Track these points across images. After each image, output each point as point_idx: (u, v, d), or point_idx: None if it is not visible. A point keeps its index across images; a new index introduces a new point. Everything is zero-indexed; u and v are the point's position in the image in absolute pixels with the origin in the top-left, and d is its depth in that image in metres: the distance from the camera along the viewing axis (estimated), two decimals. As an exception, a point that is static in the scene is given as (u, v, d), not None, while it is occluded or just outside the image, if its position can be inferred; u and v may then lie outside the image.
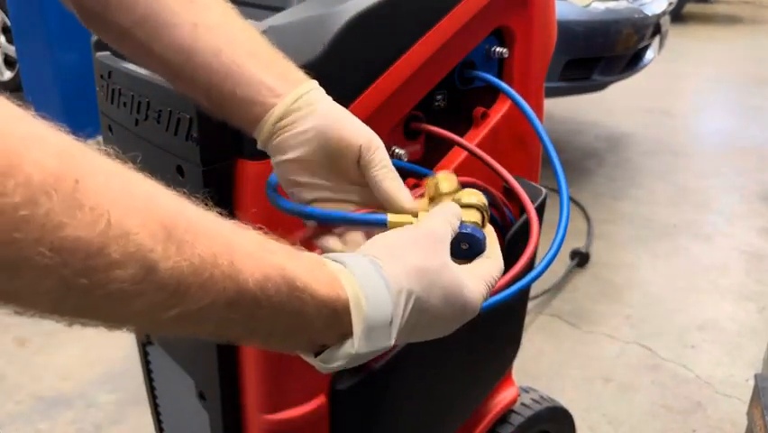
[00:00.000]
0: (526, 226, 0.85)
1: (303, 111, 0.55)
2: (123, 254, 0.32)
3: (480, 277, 0.52)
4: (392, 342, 0.47)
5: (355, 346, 0.45)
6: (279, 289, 0.41)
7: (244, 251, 0.40)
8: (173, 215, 0.36)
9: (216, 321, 0.39)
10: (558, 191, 0.83)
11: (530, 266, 0.79)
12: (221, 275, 0.37)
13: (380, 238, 0.50)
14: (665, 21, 3.71)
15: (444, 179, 0.59)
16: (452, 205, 0.55)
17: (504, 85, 0.88)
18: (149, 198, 0.36)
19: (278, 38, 0.67)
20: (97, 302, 0.33)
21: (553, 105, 4.09)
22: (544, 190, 0.94)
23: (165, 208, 0.36)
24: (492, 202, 0.89)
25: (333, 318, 0.44)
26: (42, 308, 0.32)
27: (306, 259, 0.45)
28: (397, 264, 0.47)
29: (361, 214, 0.56)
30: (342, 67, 0.71)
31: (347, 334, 0.45)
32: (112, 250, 0.32)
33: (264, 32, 0.67)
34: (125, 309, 0.34)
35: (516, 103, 0.87)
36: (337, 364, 0.46)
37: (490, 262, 0.55)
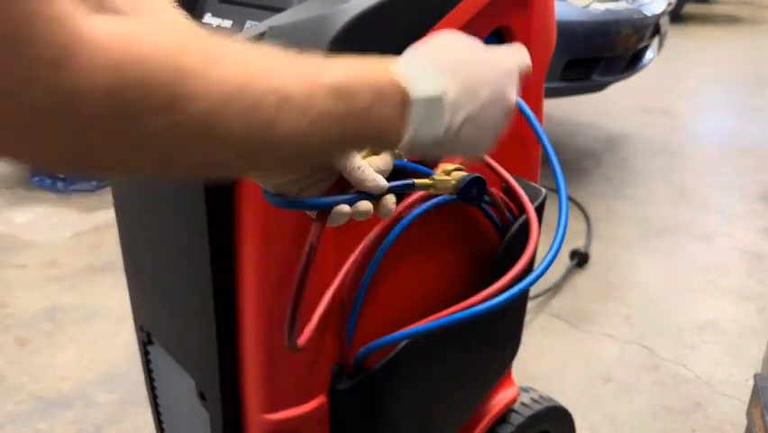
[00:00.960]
0: (526, 226, 0.85)
1: None
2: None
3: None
4: (445, 121, 0.53)
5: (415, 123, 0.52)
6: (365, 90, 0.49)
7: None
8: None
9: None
10: (557, 191, 0.83)
11: (530, 266, 0.79)
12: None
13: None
14: (665, 21, 3.71)
15: None
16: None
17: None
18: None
19: (278, 39, 0.67)
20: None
21: (551, 105, 4.09)
22: (543, 190, 0.94)
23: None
24: (492, 202, 0.89)
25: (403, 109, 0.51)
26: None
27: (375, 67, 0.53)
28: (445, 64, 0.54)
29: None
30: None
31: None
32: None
33: (265, 33, 0.68)
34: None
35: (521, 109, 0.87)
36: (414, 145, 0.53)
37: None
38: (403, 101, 0.51)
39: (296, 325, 0.72)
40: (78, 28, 0.35)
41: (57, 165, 0.40)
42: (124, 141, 0.38)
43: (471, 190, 0.69)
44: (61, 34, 0.34)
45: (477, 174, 0.70)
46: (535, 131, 0.85)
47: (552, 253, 0.74)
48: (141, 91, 0.37)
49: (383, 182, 0.58)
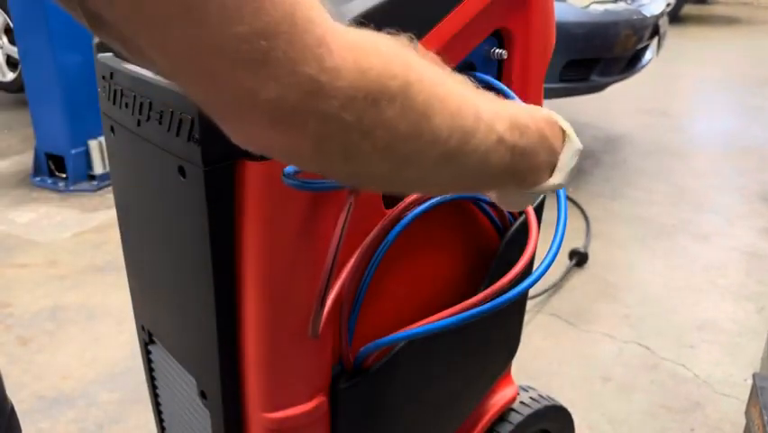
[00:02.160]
0: (525, 226, 0.86)
1: None
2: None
3: None
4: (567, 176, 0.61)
5: (559, 179, 0.60)
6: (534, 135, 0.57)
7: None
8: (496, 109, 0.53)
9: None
10: (556, 192, 0.84)
11: (530, 266, 0.80)
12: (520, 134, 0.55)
13: None
14: (664, 22, 3.72)
15: None
16: None
17: (502, 86, 0.88)
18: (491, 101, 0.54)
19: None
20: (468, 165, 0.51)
21: (551, 106, 4.09)
22: (542, 190, 0.94)
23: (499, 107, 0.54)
24: (491, 202, 0.90)
25: (553, 157, 0.60)
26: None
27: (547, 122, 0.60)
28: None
29: None
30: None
31: (553, 170, 0.60)
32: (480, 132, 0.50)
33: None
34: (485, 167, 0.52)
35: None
36: (542, 190, 0.61)
37: None
38: (558, 147, 0.59)
39: (322, 311, 0.75)
40: (331, 19, 0.41)
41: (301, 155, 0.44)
42: (364, 123, 0.43)
43: None
44: (326, 18, 0.40)
45: None
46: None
47: (550, 255, 0.75)
48: (382, 75, 0.42)
49: None
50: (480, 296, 0.76)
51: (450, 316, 0.76)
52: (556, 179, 0.60)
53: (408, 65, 0.45)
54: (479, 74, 0.86)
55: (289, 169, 0.67)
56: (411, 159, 0.47)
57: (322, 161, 0.45)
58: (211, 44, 0.36)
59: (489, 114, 0.51)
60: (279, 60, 0.38)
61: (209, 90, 0.40)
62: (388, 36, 0.46)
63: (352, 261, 0.81)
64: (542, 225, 0.87)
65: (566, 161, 0.60)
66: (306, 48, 0.38)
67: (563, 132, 0.61)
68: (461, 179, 0.53)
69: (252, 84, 0.38)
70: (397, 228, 0.82)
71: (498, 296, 0.76)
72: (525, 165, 0.56)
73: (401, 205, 0.83)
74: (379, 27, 0.73)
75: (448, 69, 0.52)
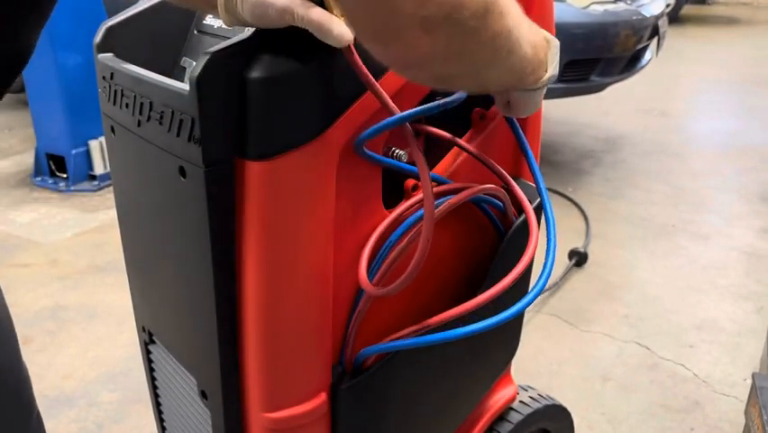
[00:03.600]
0: (525, 226, 0.86)
1: None
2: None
3: None
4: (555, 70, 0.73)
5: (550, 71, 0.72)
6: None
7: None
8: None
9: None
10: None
11: (530, 266, 0.80)
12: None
13: None
14: (663, 22, 3.72)
15: None
16: None
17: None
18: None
19: (280, 40, 0.68)
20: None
21: (550, 106, 4.10)
22: (542, 190, 0.95)
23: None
24: (501, 198, 0.90)
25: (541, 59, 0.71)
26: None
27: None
28: None
29: None
30: (344, 67, 0.71)
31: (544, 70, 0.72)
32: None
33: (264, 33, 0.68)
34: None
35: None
36: (543, 84, 0.73)
37: None
38: (548, 44, 0.72)
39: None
40: None
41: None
42: (477, 31, 0.55)
43: None
44: None
45: None
46: (518, 139, 0.87)
47: (545, 272, 0.78)
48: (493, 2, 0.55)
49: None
50: (479, 300, 0.77)
51: (451, 323, 0.77)
52: (551, 71, 0.72)
53: None
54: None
55: (360, 139, 0.74)
56: (496, 54, 0.60)
57: (447, 58, 0.56)
58: None
59: (526, 20, 0.65)
60: None
61: (376, 16, 0.51)
62: None
63: (379, 231, 0.82)
64: (544, 225, 0.88)
65: (553, 57, 0.72)
66: None
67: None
68: (511, 69, 0.66)
69: (413, 8, 0.49)
70: (400, 229, 0.82)
71: (497, 298, 0.77)
72: (537, 60, 0.69)
73: (403, 205, 0.83)
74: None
75: None
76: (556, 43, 0.74)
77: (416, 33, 0.52)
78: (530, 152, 0.89)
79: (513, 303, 0.78)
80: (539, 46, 0.70)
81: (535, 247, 0.80)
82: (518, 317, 1.13)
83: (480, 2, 0.54)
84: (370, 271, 0.82)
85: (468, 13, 0.53)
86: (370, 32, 0.55)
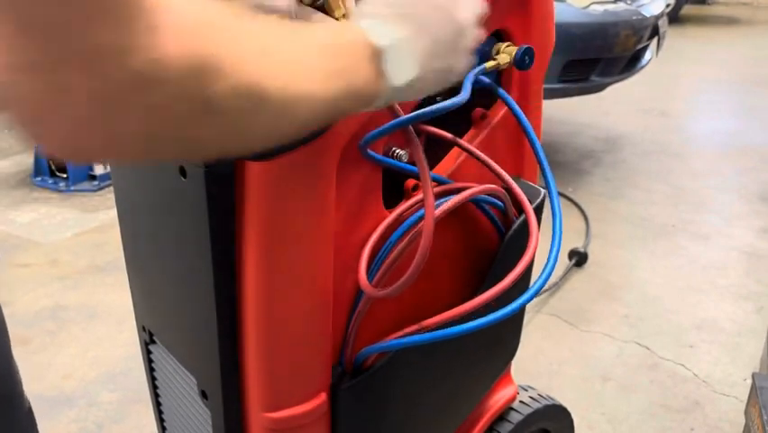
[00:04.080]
0: (525, 226, 0.86)
1: None
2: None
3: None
4: (417, 68, 0.58)
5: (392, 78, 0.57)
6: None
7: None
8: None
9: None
10: (557, 193, 0.84)
11: (530, 267, 0.80)
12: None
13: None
14: (663, 22, 3.72)
15: None
16: None
17: (500, 90, 0.89)
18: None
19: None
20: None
21: (551, 106, 4.10)
22: (542, 190, 0.95)
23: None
24: (501, 198, 0.90)
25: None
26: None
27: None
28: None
29: None
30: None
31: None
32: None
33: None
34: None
35: (507, 105, 0.88)
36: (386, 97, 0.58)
37: None
38: (373, 54, 0.55)
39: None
40: (167, 8, 0.37)
41: (123, 151, 0.41)
42: (200, 107, 0.41)
43: (525, 59, 0.83)
44: (154, 15, 0.36)
45: (526, 45, 0.83)
46: (528, 136, 0.86)
47: (547, 270, 0.77)
48: (213, 54, 0.40)
49: None
50: (480, 300, 0.77)
51: (450, 323, 0.77)
52: (401, 76, 0.57)
53: (238, 39, 0.43)
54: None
55: (365, 141, 0.73)
56: (254, 123, 0.46)
57: (158, 155, 0.44)
58: (11, 30, 0.32)
59: (315, 56, 0.51)
60: (100, 51, 0.34)
61: (18, 86, 0.34)
62: (221, 4, 0.43)
63: (379, 231, 0.82)
64: (541, 224, 0.88)
65: (397, 58, 0.56)
66: (133, 36, 0.35)
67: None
68: (307, 118, 0.52)
69: (67, 76, 0.34)
70: (401, 230, 0.82)
71: (497, 298, 0.77)
72: (354, 83, 0.54)
73: (403, 206, 0.83)
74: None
75: (277, 20, 0.50)
76: (398, 38, 0.56)
77: (79, 117, 0.36)
78: (537, 144, 0.89)
79: (513, 302, 0.78)
80: (350, 58, 0.54)
81: (535, 248, 0.80)
82: (518, 317, 1.13)
83: (186, 70, 0.38)
84: (370, 271, 0.82)
85: (165, 92, 0.38)
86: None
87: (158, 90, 0.37)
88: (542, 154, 0.88)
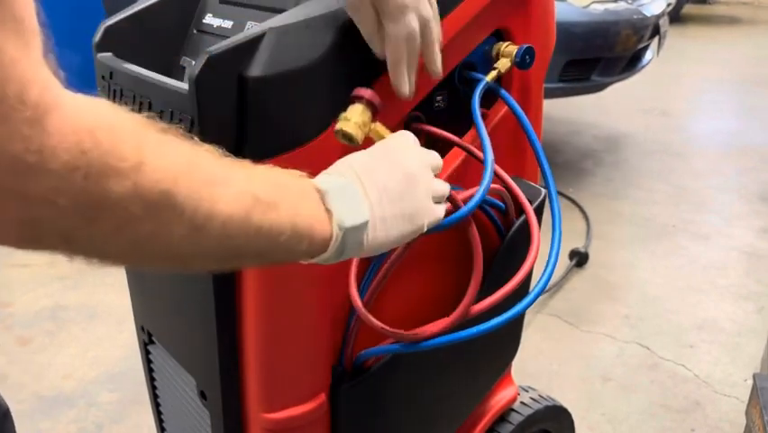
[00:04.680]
0: (525, 226, 0.86)
1: None
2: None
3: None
4: (367, 210, 0.59)
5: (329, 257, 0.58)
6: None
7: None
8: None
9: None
10: (558, 193, 0.84)
11: (530, 273, 0.80)
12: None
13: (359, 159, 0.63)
14: (664, 22, 3.71)
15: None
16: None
17: (501, 90, 0.88)
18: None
19: (279, 39, 0.68)
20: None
21: (551, 105, 4.10)
22: (543, 190, 0.94)
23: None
24: (503, 199, 0.90)
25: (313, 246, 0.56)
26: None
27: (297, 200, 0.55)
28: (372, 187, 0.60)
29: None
30: (343, 67, 0.71)
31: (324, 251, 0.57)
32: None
33: (265, 34, 0.68)
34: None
35: (509, 105, 0.88)
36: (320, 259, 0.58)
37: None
38: (318, 194, 0.57)
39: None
40: (58, 94, 0.38)
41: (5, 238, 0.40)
42: (87, 206, 0.39)
43: (525, 58, 0.83)
44: (46, 96, 0.37)
45: (527, 44, 0.83)
46: (528, 136, 0.86)
47: (545, 276, 0.78)
48: (108, 155, 0.39)
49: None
50: (483, 304, 0.77)
51: (450, 329, 0.77)
52: (346, 219, 0.57)
53: (142, 145, 0.42)
54: (478, 74, 0.86)
55: None
56: (149, 238, 0.44)
57: (38, 248, 0.41)
58: None
59: (236, 187, 0.49)
60: None
61: None
62: (127, 112, 0.44)
63: (354, 262, 0.81)
64: (542, 224, 0.87)
65: (341, 201, 0.57)
66: (14, 124, 0.35)
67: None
68: (225, 250, 0.50)
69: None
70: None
71: (498, 303, 0.76)
72: (276, 243, 0.52)
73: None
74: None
75: (192, 143, 0.49)
76: (341, 182, 0.58)
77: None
78: (538, 144, 0.89)
79: (513, 304, 0.77)
80: (292, 194, 0.54)
81: (537, 250, 0.80)
82: (519, 319, 1.12)
83: (73, 162, 0.37)
84: (362, 288, 0.82)
85: (48, 184, 0.37)
86: None
87: (38, 180, 0.37)
88: (542, 155, 0.87)
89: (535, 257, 0.79)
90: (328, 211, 0.56)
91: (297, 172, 0.58)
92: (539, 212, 0.92)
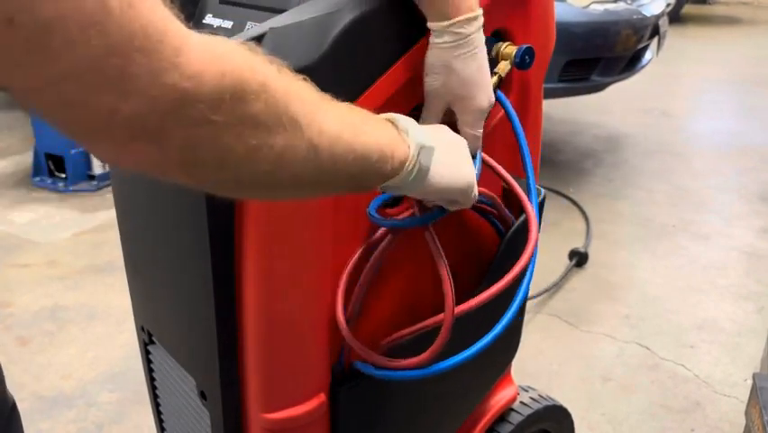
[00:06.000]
0: (525, 226, 0.85)
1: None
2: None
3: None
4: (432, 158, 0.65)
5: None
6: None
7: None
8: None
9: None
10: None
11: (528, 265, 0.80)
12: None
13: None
14: (664, 22, 3.71)
15: None
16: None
17: (498, 92, 0.88)
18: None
19: (279, 40, 0.68)
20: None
21: (551, 105, 4.10)
22: (542, 191, 0.94)
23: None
24: (493, 204, 0.90)
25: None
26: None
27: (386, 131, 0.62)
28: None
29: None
30: (343, 68, 0.71)
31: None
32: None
33: (265, 34, 0.68)
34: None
35: (503, 106, 0.88)
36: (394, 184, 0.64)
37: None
38: (403, 131, 0.64)
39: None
40: (189, 33, 0.42)
41: (167, 163, 0.45)
42: (234, 123, 0.45)
43: (525, 59, 0.83)
44: (181, 34, 0.41)
45: (526, 45, 0.83)
46: (517, 136, 0.86)
47: (523, 287, 0.79)
48: (242, 77, 0.45)
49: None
50: (469, 304, 0.77)
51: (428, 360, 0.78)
52: (413, 149, 0.62)
53: (264, 70, 0.48)
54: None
55: (373, 205, 0.76)
56: (280, 158, 0.49)
57: (195, 171, 0.46)
58: (60, 71, 0.36)
59: (334, 112, 0.55)
60: (138, 75, 0.38)
61: (69, 117, 0.39)
62: (241, 45, 0.49)
63: (352, 263, 0.81)
64: (545, 225, 0.87)
65: (413, 132, 0.63)
66: (164, 58, 0.39)
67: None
68: (332, 172, 0.55)
69: (113, 102, 0.38)
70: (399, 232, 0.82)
71: (496, 299, 0.76)
72: (374, 158, 0.58)
73: (402, 207, 0.83)
74: (379, 28, 0.73)
75: (293, 74, 0.54)
76: (408, 122, 0.65)
77: (125, 137, 0.41)
78: (526, 147, 0.89)
79: (511, 304, 0.77)
80: (372, 127, 0.60)
81: (533, 250, 0.80)
82: (518, 319, 1.12)
83: (219, 85, 0.43)
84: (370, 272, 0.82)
85: (203, 106, 0.42)
86: (77, 134, 0.42)
87: (195, 103, 0.42)
88: (528, 160, 0.88)
89: (530, 256, 0.79)
90: (403, 133, 0.63)
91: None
92: (538, 212, 0.92)
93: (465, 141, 0.75)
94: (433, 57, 0.75)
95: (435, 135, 0.69)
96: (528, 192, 0.87)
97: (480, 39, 0.75)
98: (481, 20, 0.75)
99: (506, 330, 1.03)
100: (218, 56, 0.43)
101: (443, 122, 0.78)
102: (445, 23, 0.72)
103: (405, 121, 0.64)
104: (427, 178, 0.65)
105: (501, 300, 0.77)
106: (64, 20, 0.35)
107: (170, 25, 0.40)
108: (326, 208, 0.74)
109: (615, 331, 2.23)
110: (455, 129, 0.77)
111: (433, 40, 0.74)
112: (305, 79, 0.54)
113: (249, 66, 0.46)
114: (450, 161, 0.69)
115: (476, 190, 0.74)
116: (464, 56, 0.74)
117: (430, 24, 0.74)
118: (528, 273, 0.79)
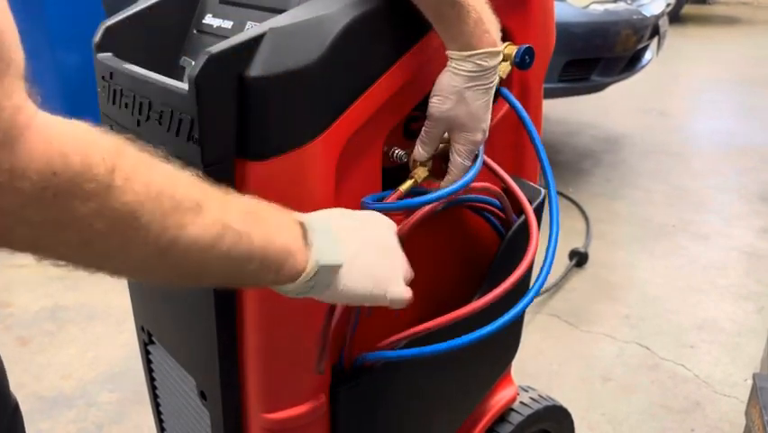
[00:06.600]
0: (525, 226, 0.86)
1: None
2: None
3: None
4: (342, 257, 0.62)
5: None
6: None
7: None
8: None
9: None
10: (558, 193, 0.84)
11: (530, 267, 0.80)
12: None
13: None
14: (664, 22, 3.72)
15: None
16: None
17: (503, 89, 0.88)
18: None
19: (279, 40, 0.68)
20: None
21: (550, 105, 4.10)
22: (542, 190, 0.95)
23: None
24: (492, 203, 0.90)
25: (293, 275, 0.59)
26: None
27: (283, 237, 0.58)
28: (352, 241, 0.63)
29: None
30: (343, 68, 0.71)
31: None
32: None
33: (265, 34, 0.68)
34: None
35: (511, 104, 0.88)
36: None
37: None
38: (301, 227, 0.60)
39: (325, 351, 0.78)
40: (32, 117, 0.39)
41: None
42: (53, 221, 0.42)
43: (525, 59, 0.82)
44: (18, 119, 0.38)
45: (526, 45, 0.83)
46: (530, 135, 0.86)
47: (543, 274, 0.78)
48: (78, 177, 0.41)
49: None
50: (474, 306, 0.77)
51: (448, 331, 0.77)
52: (318, 258, 0.58)
53: (115, 168, 0.43)
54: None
55: (369, 199, 0.77)
56: (114, 254, 0.47)
57: (9, 249, 0.44)
58: None
59: (209, 215, 0.51)
60: None
61: None
62: (105, 134, 0.45)
63: None
64: (541, 224, 0.87)
65: (320, 239, 0.60)
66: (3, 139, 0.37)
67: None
68: (185, 271, 0.52)
69: None
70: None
71: (498, 301, 0.76)
72: (253, 265, 0.55)
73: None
74: (379, 28, 0.73)
75: (171, 168, 0.50)
76: (321, 223, 0.61)
77: None
78: (539, 143, 0.88)
79: (513, 304, 0.77)
80: (273, 220, 0.57)
81: (535, 250, 0.80)
82: (519, 319, 1.12)
83: (61, 187, 0.40)
84: None
85: (19, 201, 0.39)
86: None
87: (7, 196, 0.39)
88: (543, 154, 0.87)
89: (533, 257, 0.79)
90: (308, 245, 0.59)
91: (282, 208, 0.60)
92: (538, 212, 0.92)
93: (392, 231, 0.71)
94: (446, 80, 0.74)
95: (351, 239, 0.63)
96: (548, 189, 0.87)
97: (496, 76, 0.76)
98: (501, 57, 0.75)
99: (506, 330, 1.03)
100: (56, 149, 0.40)
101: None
102: (467, 53, 0.72)
103: (316, 231, 0.60)
104: (330, 290, 0.62)
105: (504, 301, 0.77)
106: None
107: (9, 104, 0.38)
108: (328, 207, 0.74)
109: (615, 331, 2.23)
110: (446, 157, 0.78)
111: (451, 64, 0.74)
112: (192, 173, 0.52)
113: (91, 166, 0.42)
114: (364, 272, 0.64)
115: (405, 295, 0.69)
116: (478, 88, 0.74)
117: (450, 53, 0.73)
118: (545, 271, 0.79)
